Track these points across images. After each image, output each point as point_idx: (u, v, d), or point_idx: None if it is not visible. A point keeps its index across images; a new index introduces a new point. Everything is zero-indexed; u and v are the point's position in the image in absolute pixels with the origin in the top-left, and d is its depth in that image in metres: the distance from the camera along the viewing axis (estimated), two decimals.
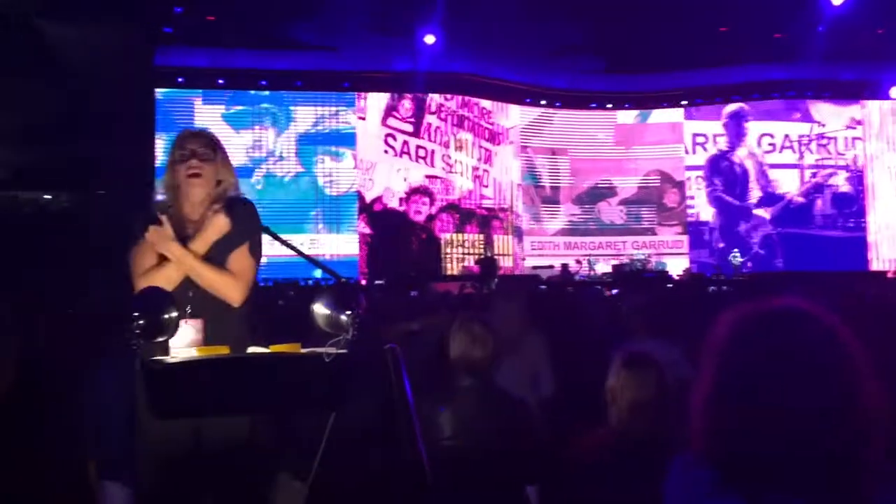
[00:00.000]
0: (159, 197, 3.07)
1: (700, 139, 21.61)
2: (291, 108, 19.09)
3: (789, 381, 1.43)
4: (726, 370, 1.50)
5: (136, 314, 1.97)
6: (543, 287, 12.07)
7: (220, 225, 2.82)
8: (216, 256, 2.87)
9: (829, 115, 21.25)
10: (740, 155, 21.34)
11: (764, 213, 21.02)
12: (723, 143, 21.43)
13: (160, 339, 2.01)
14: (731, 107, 21.42)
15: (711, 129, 21.53)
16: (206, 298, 2.75)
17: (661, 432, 2.55)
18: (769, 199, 21.10)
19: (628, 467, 2.50)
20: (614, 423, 2.66)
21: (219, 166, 2.95)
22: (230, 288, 2.81)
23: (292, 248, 3.00)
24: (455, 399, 2.94)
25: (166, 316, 2.07)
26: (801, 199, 20.95)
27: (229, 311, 2.77)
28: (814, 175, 21.09)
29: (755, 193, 21.21)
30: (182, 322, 2.58)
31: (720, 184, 21.30)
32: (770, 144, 21.29)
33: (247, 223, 2.97)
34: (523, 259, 20.59)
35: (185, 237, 2.85)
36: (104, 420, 3.32)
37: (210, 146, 2.95)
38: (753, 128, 21.32)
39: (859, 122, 21.21)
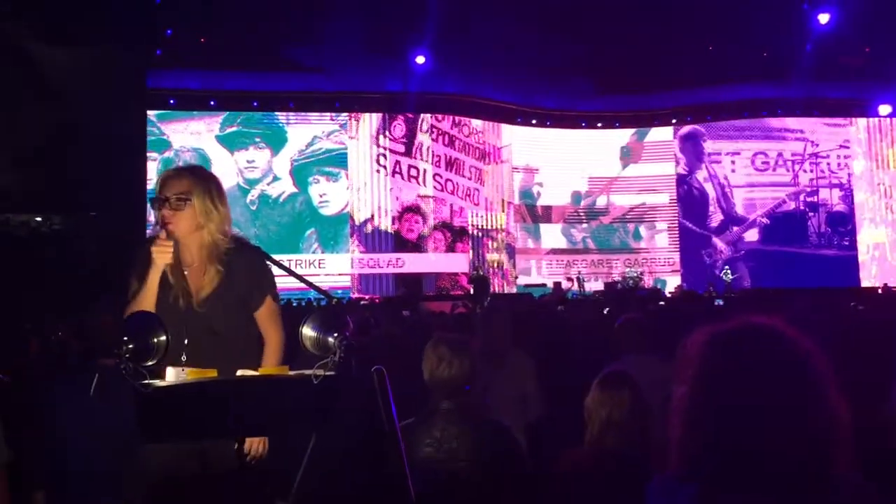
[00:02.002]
0: (154, 231, 3.03)
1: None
2: (285, 128, 19.16)
3: (759, 397, 1.47)
4: (699, 389, 1.54)
5: (126, 338, 1.99)
6: (535, 306, 12.08)
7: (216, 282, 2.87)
8: (224, 311, 2.89)
9: (822, 134, 21.42)
10: (699, 178, 21.47)
11: (720, 242, 21.10)
12: (680, 167, 21.58)
13: (149, 364, 2.03)
14: (686, 128, 21.57)
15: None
16: (203, 345, 2.75)
17: (636, 450, 2.57)
18: (732, 221, 21.19)
19: (604, 485, 2.52)
20: (591, 442, 2.68)
21: (196, 210, 2.86)
22: (277, 343, 2.98)
23: (296, 275, 3.00)
24: (433, 421, 2.94)
25: (155, 339, 2.09)
26: (765, 221, 21.03)
27: (233, 355, 2.75)
28: (798, 194, 21.22)
29: (717, 217, 21.31)
30: (179, 370, 2.59)
31: (679, 209, 21.41)
32: (764, 163, 21.40)
33: (259, 275, 2.99)
34: (515, 277, 20.63)
35: (182, 279, 2.86)
36: (59, 445, 3.28)
37: (187, 190, 2.85)
38: (724, 148, 21.45)
39: (846, 143, 21.41)
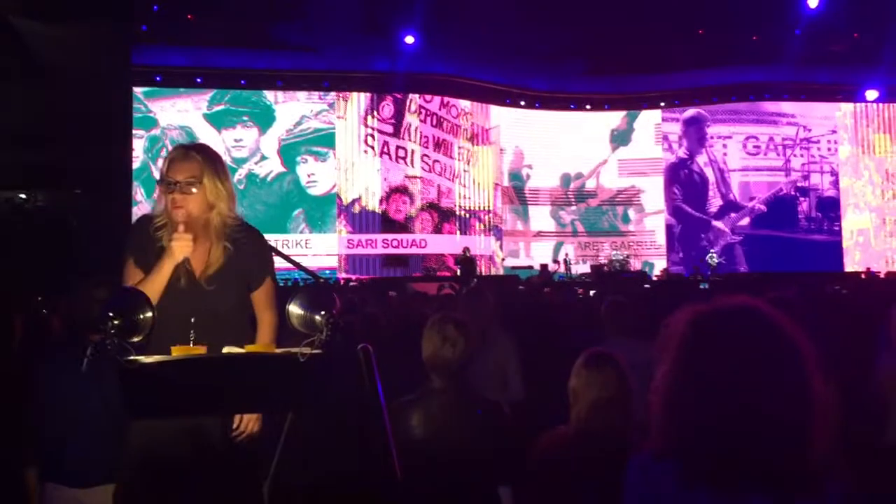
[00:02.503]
0: (154, 211, 2.97)
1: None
2: (274, 107, 19.06)
3: (740, 377, 1.49)
4: (681, 368, 1.55)
5: (111, 314, 1.99)
6: (521, 287, 12.12)
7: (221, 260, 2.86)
8: (229, 288, 2.88)
9: (811, 118, 21.50)
10: (700, 162, 21.54)
11: (721, 224, 21.21)
12: (681, 151, 21.64)
13: (135, 339, 2.03)
14: (689, 112, 21.61)
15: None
16: (209, 324, 2.71)
17: (621, 431, 2.59)
18: (730, 207, 21.29)
19: (589, 466, 2.53)
20: (576, 423, 2.68)
21: (206, 192, 2.84)
22: (272, 324, 2.94)
23: (289, 259, 2.99)
24: (426, 399, 2.94)
25: (141, 316, 2.09)
26: (762, 209, 21.14)
27: (233, 334, 2.71)
28: (794, 179, 21.33)
29: (715, 202, 21.40)
30: (186, 349, 2.58)
31: (679, 193, 21.47)
32: (755, 147, 21.46)
33: (262, 256, 2.99)
34: (502, 259, 20.67)
35: (187, 264, 2.85)
36: (52, 422, 3.29)
37: (196, 173, 2.82)
38: (717, 132, 21.54)
39: (834, 128, 21.50)
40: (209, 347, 2.56)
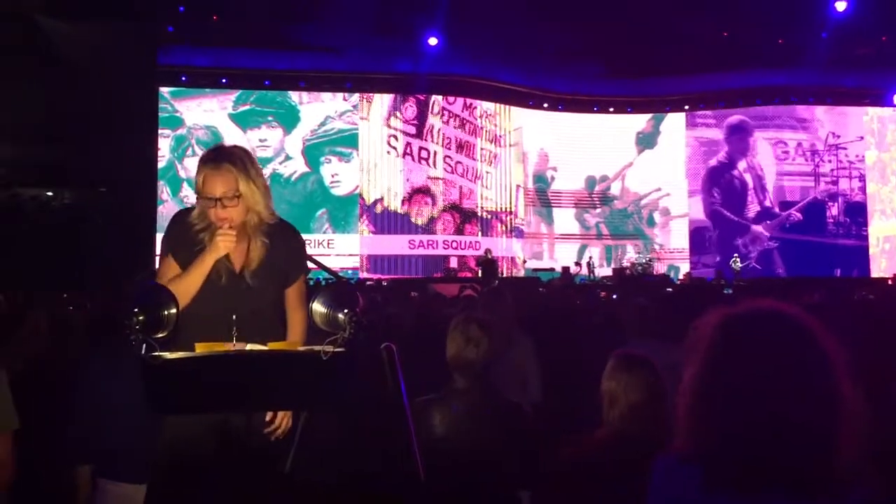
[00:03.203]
0: (193, 213, 2.96)
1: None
2: (298, 107, 19.15)
3: (768, 381, 1.46)
4: (709, 372, 1.53)
5: (136, 310, 1.99)
6: (542, 290, 12.07)
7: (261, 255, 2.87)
8: (269, 284, 2.88)
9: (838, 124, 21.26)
10: (740, 168, 21.36)
11: (761, 228, 21.02)
12: (723, 155, 21.47)
13: (160, 336, 2.04)
14: (734, 118, 21.42)
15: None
16: (250, 321, 2.68)
17: (659, 434, 2.55)
18: (767, 214, 21.10)
19: (627, 469, 2.50)
20: (615, 426, 2.65)
21: (247, 201, 2.82)
22: (303, 322, 2.90)
23: (312, 259, 2.99)
24: (449, 399, 2.93)
25: (166, 312, 2.09)
26: (799, 217, 20.94)
27: (272, 331, 2.73)
28: (823, 184, 21.10)
29: (753, 207, 21.22)
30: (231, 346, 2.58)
31: (718, 196, 21.29)
32: (783, 153, 21.26)
33: (300, 253, 3.02)
34: (524, 261, 20.63)
35: (226, 257, 2.86)
36: (104, 419, 3.30)
37: (233, 185, 2.79)
38: (759, 138, 21.33)
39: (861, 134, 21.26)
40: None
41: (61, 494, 3.41)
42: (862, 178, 21.02)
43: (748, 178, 21.28)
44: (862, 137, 21.11)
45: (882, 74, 19.95)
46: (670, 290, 13.73)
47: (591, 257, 20.10)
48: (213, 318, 2.58)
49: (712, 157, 21.52)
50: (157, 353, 1.99)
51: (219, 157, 2.86)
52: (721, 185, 21.32)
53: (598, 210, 21.59)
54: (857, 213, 20.95)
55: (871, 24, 17.87)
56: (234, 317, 2.54)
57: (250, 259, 2.88)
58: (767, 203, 21.10)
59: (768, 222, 20.96)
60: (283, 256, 2.93)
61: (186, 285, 2.75)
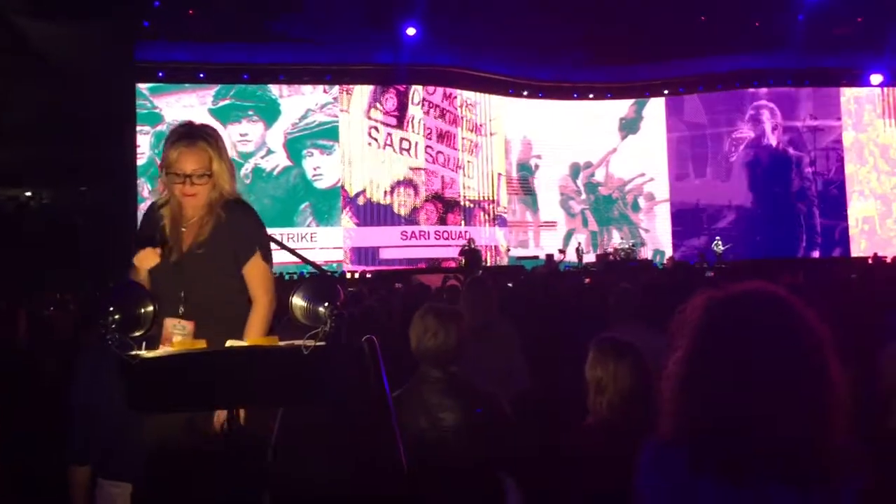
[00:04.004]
0: (158, 195, 2.93)
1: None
2: (279, 101, 19.03)
3: (756, 363, 1.45)
4: (696, 354, 1.52)
5: (112, 308, 1.96)
6: (526, 277, 12.09)
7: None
8: (217, 262, 2.83)
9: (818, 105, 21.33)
10: (771, 144, 21.33)
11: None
12: (749, 133, 21.41)
13: (136, 334, 2.00)
14: (758, 101, 21.36)
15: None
16: (198, 297, 2.70)
17: (648, 420, 2.55)
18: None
19: (616, 457, 2.49)
20: (602, 414, 2.64)
21: (216, 179, 2.82)
22: (265, 307, 2.83)
23: (286, 248, 2.96)
24: (422, 391, 2.92)
25: (142, 310, 2.06)
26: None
27: (220, 306, 2.74)
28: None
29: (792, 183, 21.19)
30: (175, 322, 2.55)
31: (759, 174, 21.27)
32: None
33: (252, 230, 2.93)
34: (507, 249, 20.64)
35: (179, 234, 2.83)
36: (97, 418, 3.27)
37: (206, 163, 2.79)
38: (775, 118, 21.33)
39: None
40: (198, 324, 2.53)
41: (59, 494, 3.39)
42: (839, 159, 21.12)
43: (778, 154, 21.26)
44: (839, 117, 21.21)
45: (858, 55, 20.04)
46: (655, 274, 13.78)
47: (579, 243, 20.15)
48: (163, 295, 2.54)
49: (697, 140, 21.52)
50: (134, 353, 1.95)
51: (193, 133, 2.85)
52: (759, 162, 21.26)
53: (583, 197, 21.62)
54: (836, 194, 21.04)
55: (846, 4, 17.96)
56: (181, 294, 2.52)
57: (198, 235, 2.84)
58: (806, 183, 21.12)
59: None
60: (229, 234, 2.86)
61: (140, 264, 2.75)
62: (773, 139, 21.30)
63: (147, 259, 2.77)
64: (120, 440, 3.21)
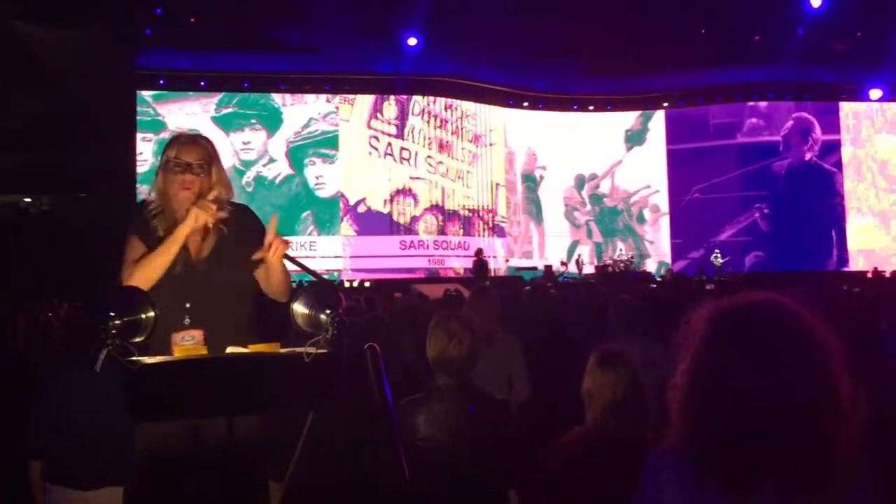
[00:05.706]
0: (148, 198, 2.93)
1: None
2: (281, 109, 19.06)
3: (763, 374, 1.44)
4: (702, 366, 1.51)
5: (112, 314, 1.95)
6: (527, 288, 12.07)
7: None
8: (226, 271, 2.80)
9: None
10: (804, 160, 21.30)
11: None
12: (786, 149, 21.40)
13: (137, 340, 1.99)
14: (797, 114, 21.34)
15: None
16: (204, 309, 2.68)
17: (637, 431, 2.55)
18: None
19: (604, 467, 2.49)
20: (589, 424, 2.65)
21: (213, 178, 2.84)
22: (287, 287, 2.81)
23: (294, 261, 2.93)
24: (432, 398, 2.91)
25: (143, 315, 2.05)
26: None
27: (228, 316, 2.71)
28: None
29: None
30: (183, 335, 2.53)
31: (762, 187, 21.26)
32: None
33: (258, 224, 2.90)
34: (507, 260, 20.63)
35: (182, 249, 2.80)
36: (60, 421, 3.28)
37: (206, 158, 2.83)
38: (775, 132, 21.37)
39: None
40: (206, 335, 2.52)
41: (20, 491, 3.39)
42: (838, 174, 21.13)
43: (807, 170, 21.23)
44: (838, 132, 21.23)
45: (858, 69, 20.08)
46: (654, 286, 13.77)
47: (580, 255, 20.14)
48: (167, 307, 2.53)
49: (697, 153, 21.53)
50: (134, 358, 1.95)
51: (193, 136, 2.94)
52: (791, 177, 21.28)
53: (588, 208, 21.65)
54: (835, 208, 21.04)
55: (846, 19, 17.99)
56: (187, 305, 2.52)
57: (204, 246, 2.84)
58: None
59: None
60: (236, 239, 2.84)
61: (156, 264, 2.70)
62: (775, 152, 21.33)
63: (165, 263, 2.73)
64: (75, 445, 3.21)
